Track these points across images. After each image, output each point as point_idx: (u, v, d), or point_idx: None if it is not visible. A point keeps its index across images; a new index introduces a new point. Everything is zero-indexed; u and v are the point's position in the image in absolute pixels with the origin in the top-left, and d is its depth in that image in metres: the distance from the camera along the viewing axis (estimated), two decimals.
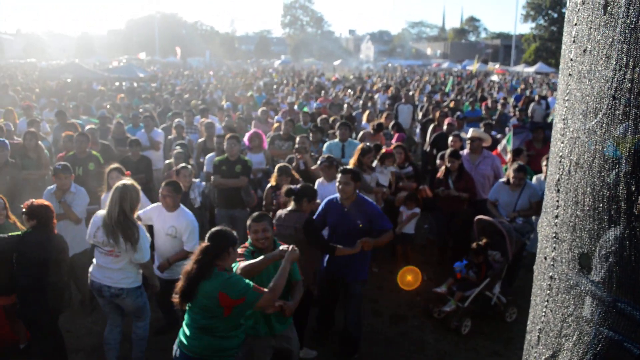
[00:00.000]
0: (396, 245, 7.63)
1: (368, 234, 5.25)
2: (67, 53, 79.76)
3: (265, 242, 4.30)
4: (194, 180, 7.02)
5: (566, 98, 1.96)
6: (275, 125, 11.11)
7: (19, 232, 4.91)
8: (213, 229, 3.90)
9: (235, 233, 3.92)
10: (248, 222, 4.42)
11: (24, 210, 4.84)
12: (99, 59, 54.89)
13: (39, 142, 8.51)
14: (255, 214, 4.46)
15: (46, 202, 4.95)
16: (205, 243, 3.77)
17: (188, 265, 3.76)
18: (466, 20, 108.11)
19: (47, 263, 4.74)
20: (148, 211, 5.63)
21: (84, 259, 6.31)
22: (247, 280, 3.77)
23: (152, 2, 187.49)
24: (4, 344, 5.47)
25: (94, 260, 5.03)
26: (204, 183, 7.00)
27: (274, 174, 6.67)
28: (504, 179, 7.19)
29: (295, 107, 14.42)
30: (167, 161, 8.46)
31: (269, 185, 6.79)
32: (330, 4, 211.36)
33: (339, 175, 5.40)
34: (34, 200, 4.94)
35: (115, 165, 6.46)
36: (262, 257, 4.14)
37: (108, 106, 13.32)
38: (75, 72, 22.70)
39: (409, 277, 6.42)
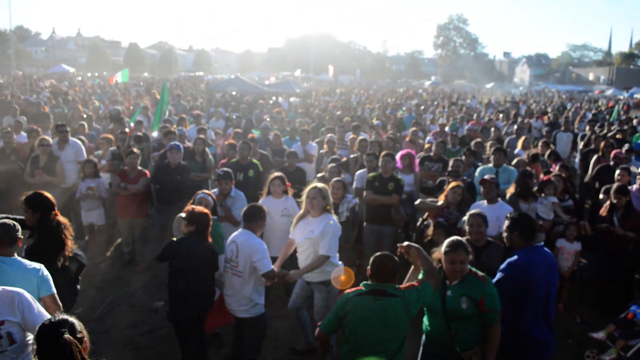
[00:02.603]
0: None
1: None
2: (231, 68, 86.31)
3: (459, 275, 4.13)
4: (347, 195, 7.17)
5: None
6: (426, 146, 11.03)
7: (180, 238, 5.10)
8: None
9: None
10: (444, 249, 4.19)
11: (183, 215, 5.08)
12: (258, 75, 58.61)
13: (206, 148, 9.28)
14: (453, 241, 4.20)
15: (206, 210, 5.14)
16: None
17: None
18: (636, 44, 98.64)
19: (200, 269, 4.93)
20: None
21: None
22: None
23: (310, 22, 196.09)
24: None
25: None
26: (356, 200, 7.13)
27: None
28: None
29: (447, 129, 14.18)
30: (319, 174, 8.74)
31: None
32: (485, 25, 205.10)
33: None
34: (194, 206, 5.20)
35: (279, 174, 6.81)
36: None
37: (267, 119, 14.14)
38: (238, 86, 24.45)
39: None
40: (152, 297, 7.01)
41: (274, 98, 23.67)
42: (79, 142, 9.22)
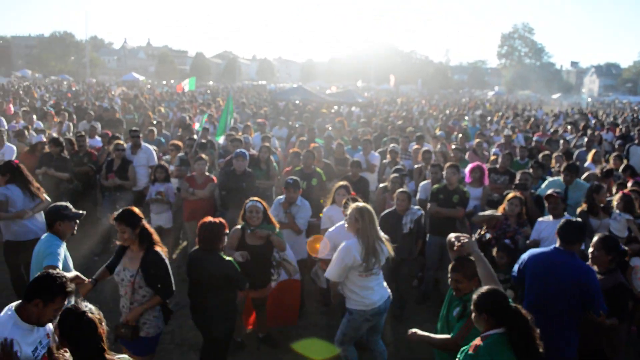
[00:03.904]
0: None
1: None
2: (292, 77, 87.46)
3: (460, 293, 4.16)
4: (412, 206, 7.10)
5: None
6: (492, 158, 10.81)
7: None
8: None
9: None
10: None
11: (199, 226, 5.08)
12: (320, 84, 59.08)
13: (270, 156, 9.42)
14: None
15: (216, 219, 5.03)
16: None
17: None
18: None
19: (218, 282, 4.90)
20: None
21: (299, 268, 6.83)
22: None
23: (372, 32, 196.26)
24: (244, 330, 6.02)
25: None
26: (422, 211, 7.06)
27: None
28: None
29: (514, 140, 13.84)
30: (381, 184, 8.70)
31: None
32: (552, 34, 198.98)
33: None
34: (209, 218, 5.07)
35: (344, 183, 6.84)
36: None
37: (329, 128, 14.23)
38: (301, 95, 24.74)
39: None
40: None
41: (335, 107, 23.78)
42: (150, 147, 9.58)
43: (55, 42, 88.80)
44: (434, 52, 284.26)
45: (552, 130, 17.22)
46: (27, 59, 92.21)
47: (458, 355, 3.46)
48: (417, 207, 7.25)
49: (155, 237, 4.76)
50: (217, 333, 5.01)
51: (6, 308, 3.44)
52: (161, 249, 4.74)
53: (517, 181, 7.79)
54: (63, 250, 4.75)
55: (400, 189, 7.16)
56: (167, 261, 4.73)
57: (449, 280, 4.13)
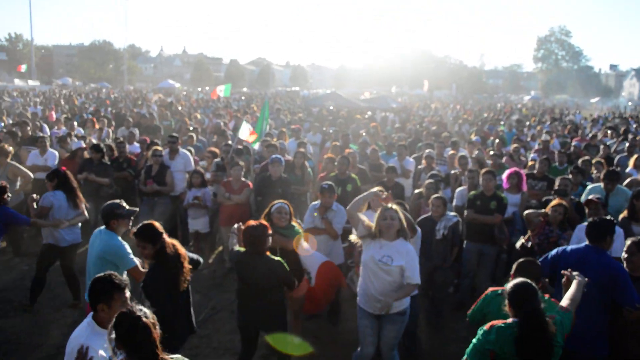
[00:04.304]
0: None
1: None
2: (325, 83, 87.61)
3: None
4: (448, 212, 7.03)
5: None
6: (530, 163, 10.63)
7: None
8: None
9: None
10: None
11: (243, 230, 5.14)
12: (352, 90, 59.13)
13: (305, 162, 9.47)
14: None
15: (256, 222, 5.08)
16: None
17: None
18: None
19: (267, 283, 4.95)
20: None
21: None
22: None
23: (405, 37, 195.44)
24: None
25: None
26: (457, 218, 6.98)
27: None
28: None
29: (550, 145, 13.57)
30: (416, 190, 8.64)
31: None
32: (590, 37, 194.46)
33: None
34: (251, 222, 5.11)
35: (379, 188, 6.81)
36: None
37: (364, 133, 14.22)
38: (335, 100, 24.81)
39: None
40: None
41: (369, 113, 23.74)
42: (188, 153, 9.74)
43: (95, 51, 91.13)
44: (468, 56, 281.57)
45: (590, 135, 16.84)
46: (67, 67, 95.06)
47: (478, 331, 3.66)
48: (452, 213, 7.16)
49: (177, 250, 4.56)
50: (268, 333, 5.10)
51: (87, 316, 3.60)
52: (166, 266, 4.50)
53: (556, 187, 7.64)
54: (127, 245, 4.96)
55: (435, 195, 7.09)
56: (162, 280, 4.47)
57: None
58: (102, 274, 3.60)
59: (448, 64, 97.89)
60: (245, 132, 11.19)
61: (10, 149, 8.49)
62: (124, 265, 4.90)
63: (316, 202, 7.01)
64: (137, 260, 4.99)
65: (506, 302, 3.62)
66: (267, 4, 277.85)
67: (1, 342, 6.19)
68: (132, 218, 5.19)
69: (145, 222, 4.54)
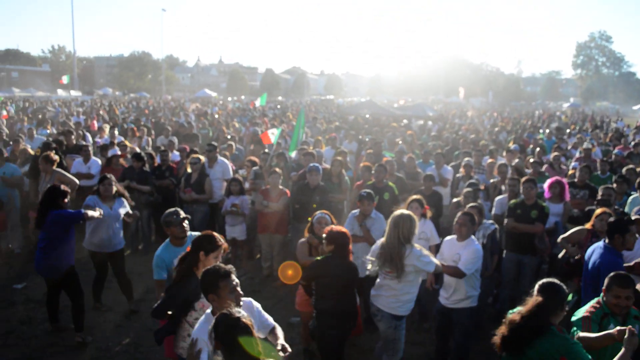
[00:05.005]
0: None
1: None
2: (360, 91, 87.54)
3: (624, 310, 3.95)
4: (485, 221, 6.94)
5: None
6: (570, 172, 10.41)
7: (323, 257, 5.32)
8: (547, 281, 3.75)
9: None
10: (607, 282, 4.03)
11: (324, 235, 5.31)
12: (387, 98, 58.92)
13: (342, 170, 9.48)
14: (620, 276, 4.04)
15: (344, 229, 5.35)
16: (538, 297, 3.58)
17: (514, 315, 3.62)
18: None
19: (344, 289, 5.12)
20: (442, 246, 5.90)
21: (374, 280, 6.80)
22: (589, 355, 3.46)
23: (441, 44, 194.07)
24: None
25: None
26: (495, 226, 6.88)
27: None
28: None
29: (592, 153, 13.26)
30: (454, 199, 8.55)
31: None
32: (633, 42, 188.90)
33: None
34: (334, 226, 5.41)
35: (417, 197, 6.79)
36: (601, 334, 3.72)
37: (400, 141, 14.15)
38: (371, 108, 24.75)
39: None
40: (289, 312, 7.21)
41: (405, 121, 23.63)
42: (226, 161, 9.88)
43: (134, 62, 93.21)
44: (505, 63, 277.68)
45: (633, 143, 16.38)
46: (108, 78, 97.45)
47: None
48: (490, 221, 7.07)
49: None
50: (342, 332, 5.23)
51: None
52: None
53: (599, 197, 7.47)
54: (173, 259, 5.05)
55: (471, 204, 6.99)
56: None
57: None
58: (210, 267, 3.78)
59: (484, 71, 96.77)
60: (268, 136, 11.55)
61: (57, 157, 8.74)
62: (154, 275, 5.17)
63: (355, 211, 7.02)
64: (165, 275, 5.14)
65: None
66: (302, 14, 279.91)
67: (48, 344, 6.38)
68: (185, 223, 5.33)
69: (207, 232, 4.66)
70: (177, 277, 4.44)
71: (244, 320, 3.04)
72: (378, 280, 5.43)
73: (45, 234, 6.18)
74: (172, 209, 5.39)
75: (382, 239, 5.33)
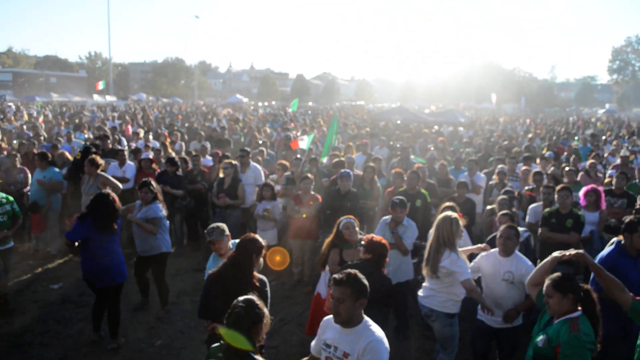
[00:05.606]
0: None
1: None
2: (391, 97, 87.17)
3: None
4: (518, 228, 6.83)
5: None
6: (607, 180, 10.19)
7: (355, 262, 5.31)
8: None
9: None
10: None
11: (363, 242, 5.32)
12: (418, 104, 58.55)
13: (374, 177, 9.45)
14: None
15: (384, 240, 5.29)
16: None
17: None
18: None
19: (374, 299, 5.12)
20: (477, 261, 5.62)
21: (404, 289, 6.77)
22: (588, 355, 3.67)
23: (473, 50, 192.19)
24: None
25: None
26: (528, 233, 6.77)
27: None
28: None
29: (635, 161, 12.95)
30: (488, 207, 8.45)
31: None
32: None
33: None
34: (374, 235, 5.39)
35: (450, 203, 6.75)
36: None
37: (432, 148, 14.06)
38: (402, 114, 24.63)
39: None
40: None
41: (436, 127, 23.47)
42: (258, 166, 9.96)
43: (167, 68, 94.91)
44: (538, 68, 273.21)
45: None
46: (142, 84, 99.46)
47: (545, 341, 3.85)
48: (522, 229, 6.97)
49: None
50: None
51: None
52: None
53: (638, 206, 7.29)
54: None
55: (503, 211, 6.89)
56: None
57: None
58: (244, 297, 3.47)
59: (517, 77, 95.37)
60: (297, 142, 11.61)
61: (102, 161, 8.91)
62: None
63: (387, 217, 6.99)
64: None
65: (559, 296, 3.82)
66: (334, 21, 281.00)
67: (83, 343, 6.52)
68: (227, 235, 5.40)
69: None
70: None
71: (238, 311, 3.25)
72: (424, 283, 5.48)
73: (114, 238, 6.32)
74: (215, 225, 5.42)
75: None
